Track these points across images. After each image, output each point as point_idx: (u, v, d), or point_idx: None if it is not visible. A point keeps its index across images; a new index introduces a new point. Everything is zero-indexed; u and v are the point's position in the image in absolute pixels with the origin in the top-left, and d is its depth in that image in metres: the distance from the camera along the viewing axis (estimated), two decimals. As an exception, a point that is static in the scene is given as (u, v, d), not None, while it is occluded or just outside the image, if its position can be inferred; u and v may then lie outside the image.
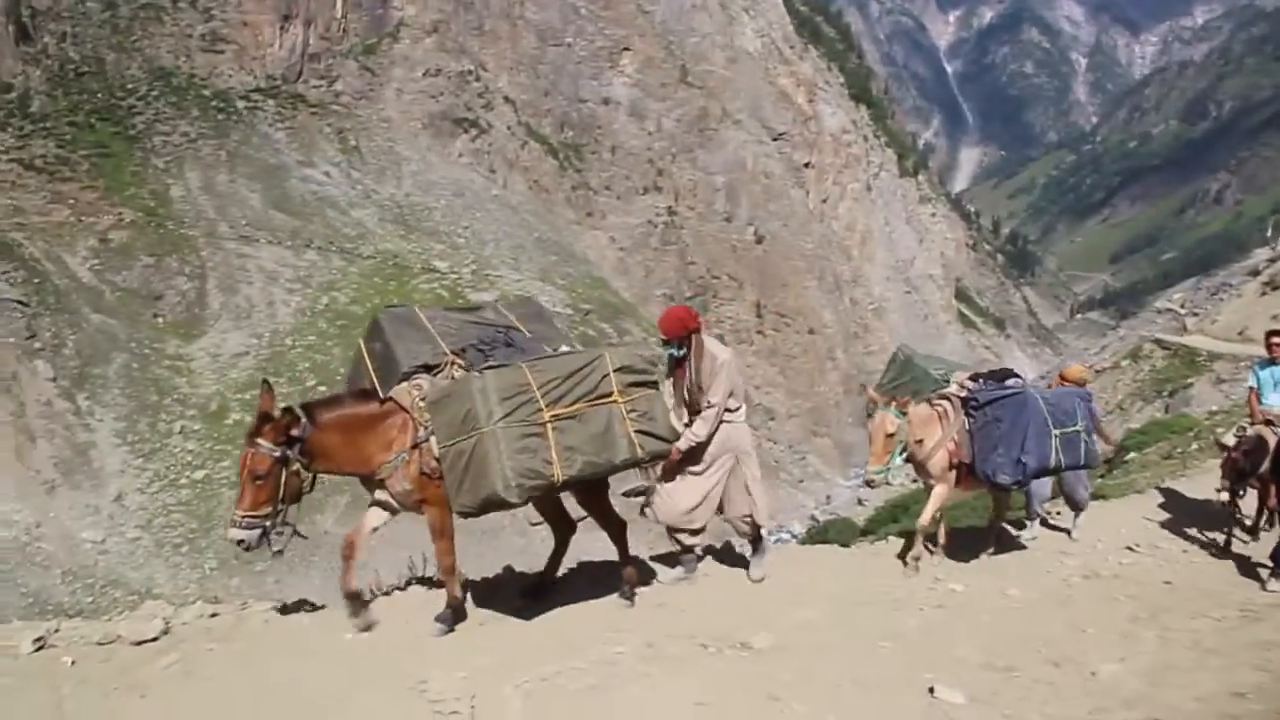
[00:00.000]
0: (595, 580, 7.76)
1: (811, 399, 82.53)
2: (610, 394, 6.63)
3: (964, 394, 9.32)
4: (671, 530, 7.77)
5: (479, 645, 6.48)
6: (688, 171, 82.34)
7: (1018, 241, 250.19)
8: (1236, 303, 48.23)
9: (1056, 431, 9.11)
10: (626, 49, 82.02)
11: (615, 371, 6.68)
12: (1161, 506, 12.51)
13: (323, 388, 38.33)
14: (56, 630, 6.22)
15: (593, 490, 7.15)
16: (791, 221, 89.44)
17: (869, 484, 9.04)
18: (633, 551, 7.56)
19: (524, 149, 71.68)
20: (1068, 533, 10.85)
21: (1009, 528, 10.59)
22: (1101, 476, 22.46)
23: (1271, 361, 11.04)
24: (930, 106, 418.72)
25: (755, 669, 6.11)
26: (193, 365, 40.15)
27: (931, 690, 6.06)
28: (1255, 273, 50.23)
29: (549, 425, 6.27)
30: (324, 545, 29.79)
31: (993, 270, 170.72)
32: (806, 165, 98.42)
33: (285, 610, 6.81)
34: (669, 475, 7.62)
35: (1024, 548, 10.41)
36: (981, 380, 9.62)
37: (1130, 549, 10.28)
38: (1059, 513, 11.81)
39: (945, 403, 9.28)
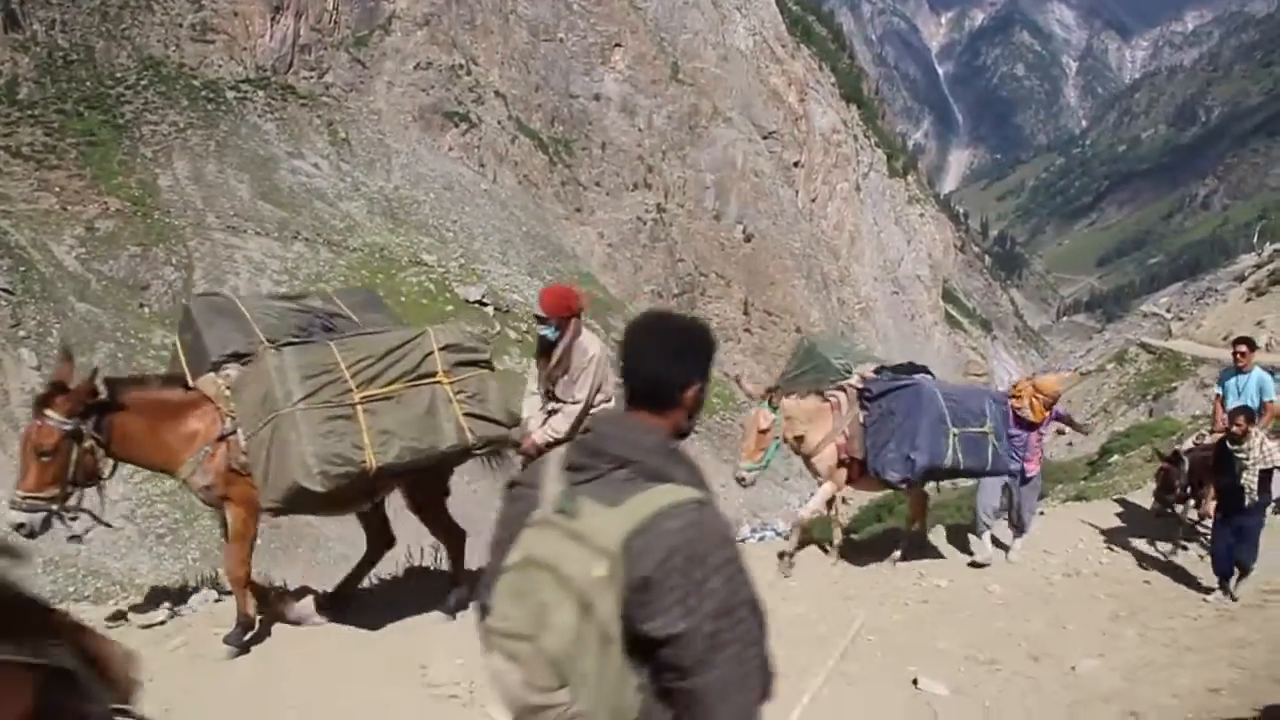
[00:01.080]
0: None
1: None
2: (434, 374, 6.18)
3: (860, 385, 8.84)
4: None
5: (473, 628, 6.56)
6: (677, 169, 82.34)
7: (1006, 243, 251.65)
8: (1222, 308, 48.61)
9: (956, 430, 8.55)
10: (618, 45, 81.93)
11: (440, 350, 6.25)
12: (1142, 508, 12.67)
13: (311, 379, 38.41)
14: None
15: (427, 491, 6.63)
16: (780, 220, 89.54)
17: (740, 481, 8.42)
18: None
19: (514, 143, 71.58)
20: (1005, 551, 9.86)
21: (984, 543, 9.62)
22: (1084, 479, 22.67)
23: (1238, 370, 10.71)
24: (921, 108, 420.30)
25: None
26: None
27: (915, 682, 6.20)
28: (1241, 278, 50.64)
29: (359, 407, 5.76)
30: (306, 537, 29.89)
31: (980, 272, 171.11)
32: (796, 164, 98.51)
33: (291, 596, 6.88)
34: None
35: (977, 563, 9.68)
36: (884, 372, 9.13)
37: (1110, 549, 10.45)
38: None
39: (840, 394, 8.88)
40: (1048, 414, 9.81)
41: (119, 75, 51.79)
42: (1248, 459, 8.89)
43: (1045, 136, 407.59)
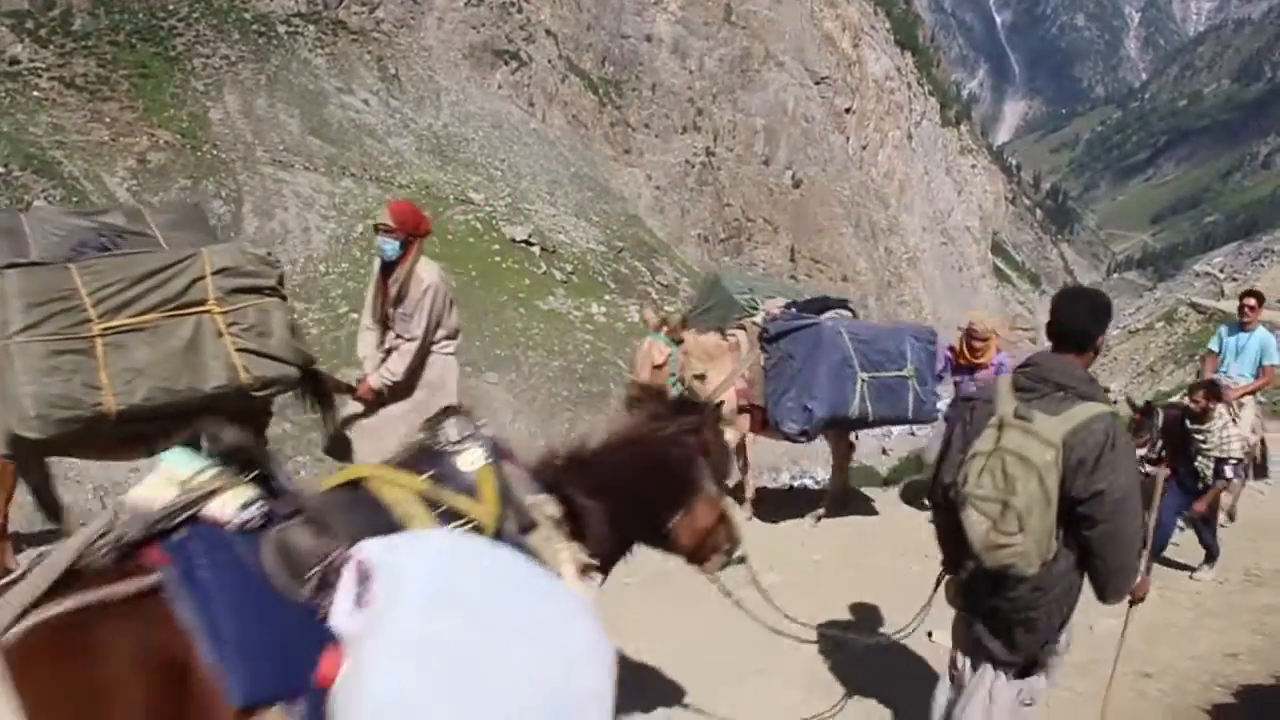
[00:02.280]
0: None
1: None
2: (202, 302, 5.24)
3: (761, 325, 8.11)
4: None
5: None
6: (727, 112, 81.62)
7: (1058, 197, 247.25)
8: (1277, 269, 47.80)
9: (865, 375, 7.77)
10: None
11: (213, 274, 5.28)
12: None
13: (354, 315, 38.50)
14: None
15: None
16: (830, 167, 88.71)
17: None
18: None
19: (564, 83, 71.20)
20: None
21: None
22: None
23: (1241, 327, 9.75)
24: (976, 56, 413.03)
25: (761, 604, 6.26)
26: (226, 288, 40.43)
27: (930, 635, 6.21)
28: (1297, 239, 49.61)
29: (99, 340, 4.89)
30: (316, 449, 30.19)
31: (1031, 225, 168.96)
32: (848, 111, 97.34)
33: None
34: (359, 419, 6.12)
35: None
36: (792, 309, 8.24)
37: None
38: None
39: (741, 333, 8.16)
40: (990, 358, 8.48)
41: (171, 7, 51.86)
42: (1205, 443, 8.00)
43: (1103, 89, 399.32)
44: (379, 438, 5.63)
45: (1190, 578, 8.33)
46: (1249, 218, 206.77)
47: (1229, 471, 7.97)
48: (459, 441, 2.68)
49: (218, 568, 2.06)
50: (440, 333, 6.02)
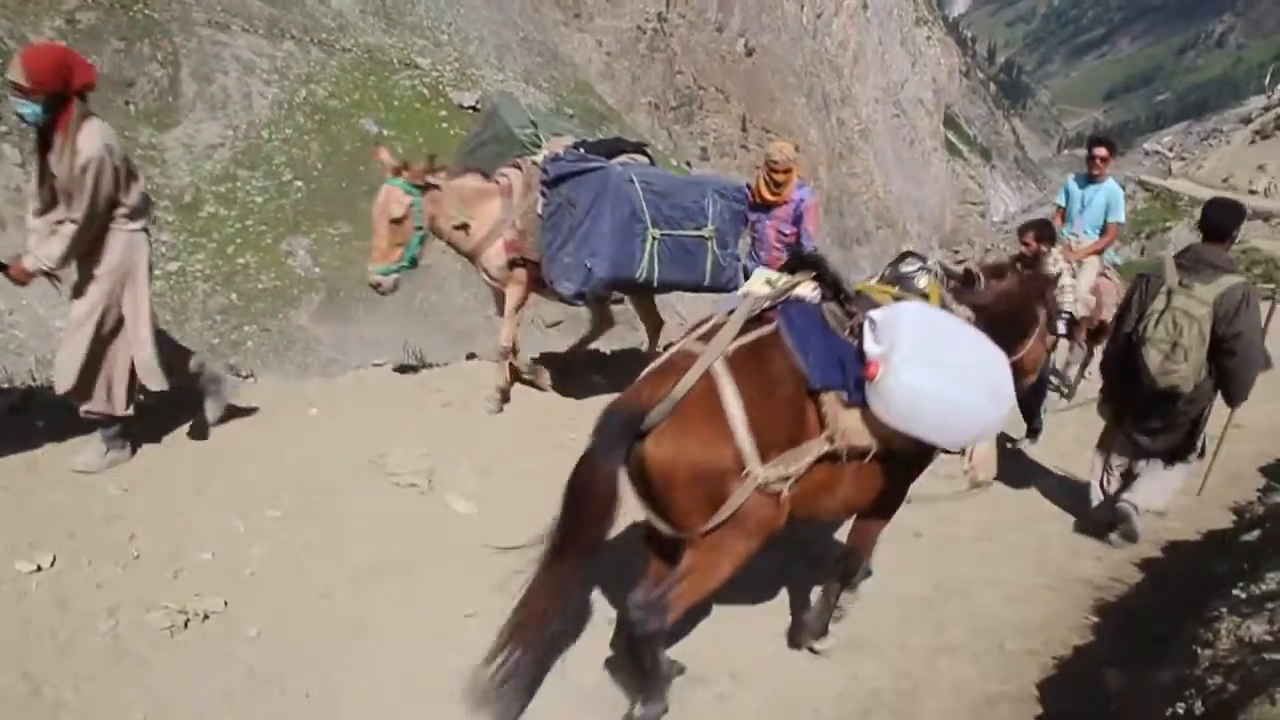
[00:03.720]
0: (560, 373, 7.88)
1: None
2: None
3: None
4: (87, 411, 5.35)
5: (440, 425, 6.63)
6: (680, -23, 79.83)
7: (1012, 71, 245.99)
8: (1225, 150, 48.16)
9: (657, 232, 6.75)
10: None
11: None
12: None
13: (299, 183, 37.78)
14: (30, 398, 6.28)
15: None
16: (783, 35, 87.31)
17: (375, 288, 6.62)
18: None
19: (512, -56, 69.13)
20: None
21: None
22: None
23: (1090, 179, 8.92)
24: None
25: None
26: (166, 155, 39.08)
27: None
28: (1247, 120, 49.97)
29: None
30: (298, 341, 29.90)
31: (984, 99, 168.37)
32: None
33: (252, 386, 6.90)
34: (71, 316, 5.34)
35: None
36: (579, 149, 7.04)
37: (1085, 376, 10.19)
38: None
39: (515, 174, 6.98)
40: (789, 194, 7.46)
41: None
42: None
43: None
44: (74, 341, 5.20)
45: (1010, 446, 8.06)
46: (1200, 97, 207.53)
47: (1060, 327, 7.23)
48: (914, 270, 4.42)
49: (804, 319, 3.87)
50: (119, 210, 5.19)
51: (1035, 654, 4.75)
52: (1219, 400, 5.83)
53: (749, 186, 7.62)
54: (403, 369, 7.78)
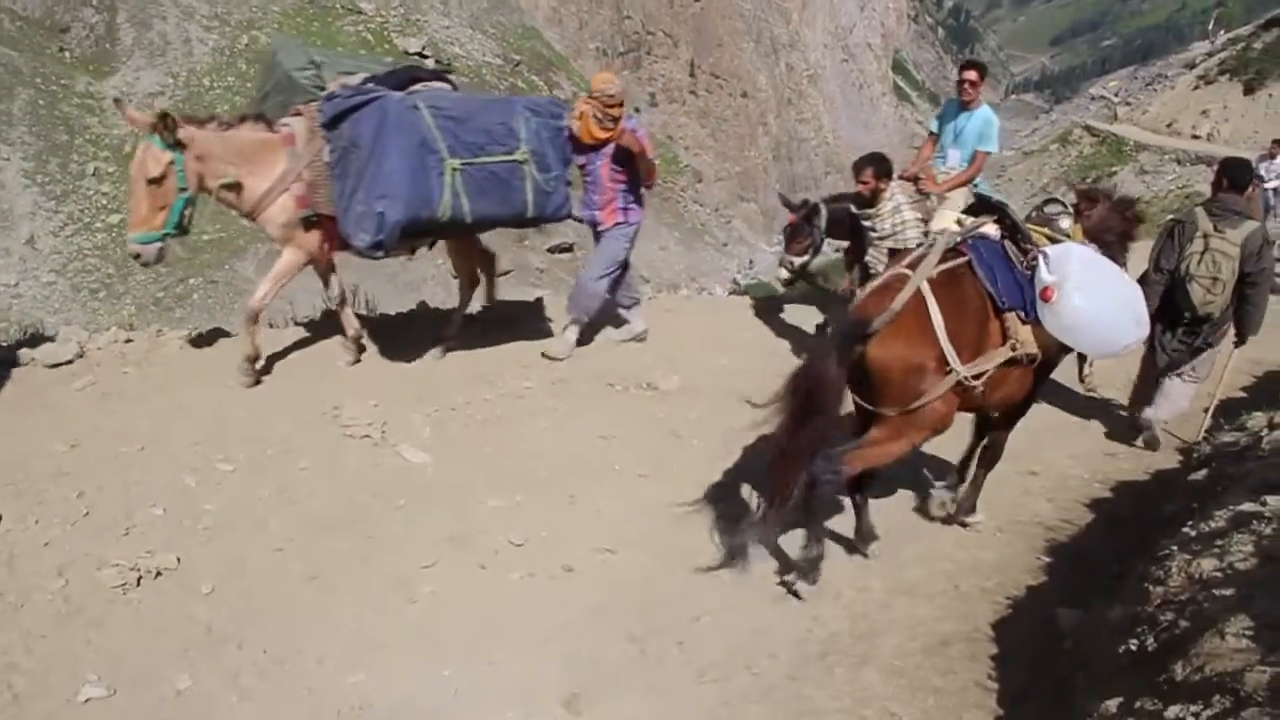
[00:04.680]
0: (509, 320, 7.82)
1: (741, 163, 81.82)
2: None
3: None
4: None
5: (391, 376, 6.56)
6: (628, -81, 78.75)
7: (960, 16, 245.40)
8: (1169, 94, 48.40)
9: (457, 161, 5.96)
10: None
11: None
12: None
13: (242, 130, 37.14)
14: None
15: None
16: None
17: (136, 257, 5.82)
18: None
19: (457, -116, 67.77)
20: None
21: None
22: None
23: (962, 106, 8.16)
24: None
25: (661, 408, 6.28)
26: (104, 104, 38.13)
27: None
28: (1191, 65, 50.20)
29: None
30: (245, 292, 29.49)
31: (932, 44, 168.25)
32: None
33: (200, 339, 6.78)
34: None
35: None
36: (369, 84, 6.23)
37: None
38: None
39: (298, 122, 6.18)
40: (613, 132, 6.94)
41: None
42: (875, 230, 7.10)
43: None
44: None
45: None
46: (1145, 42, 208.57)
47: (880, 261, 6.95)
48: (1057, 213, 5.36)
49: (991, 254, 4.75)
50: None
51: (989, 594, 4.81)
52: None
53: (568, 127, 6.82)
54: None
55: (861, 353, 4.34)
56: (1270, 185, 14.40)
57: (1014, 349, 4.65)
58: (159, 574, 4.22)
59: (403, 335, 7.23)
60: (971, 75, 8.07)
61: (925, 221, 6.94)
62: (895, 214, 7.01)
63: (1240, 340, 6.80)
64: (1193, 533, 4.02)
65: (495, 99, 7.07)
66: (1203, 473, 5.48)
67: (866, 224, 7.17)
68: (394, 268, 26.20)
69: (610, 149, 6.96)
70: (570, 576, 4.61)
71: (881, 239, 7.07)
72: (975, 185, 7.99)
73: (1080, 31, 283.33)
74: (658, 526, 5.13)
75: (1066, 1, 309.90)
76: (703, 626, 4.40)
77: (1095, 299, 4.62)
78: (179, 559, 4.33)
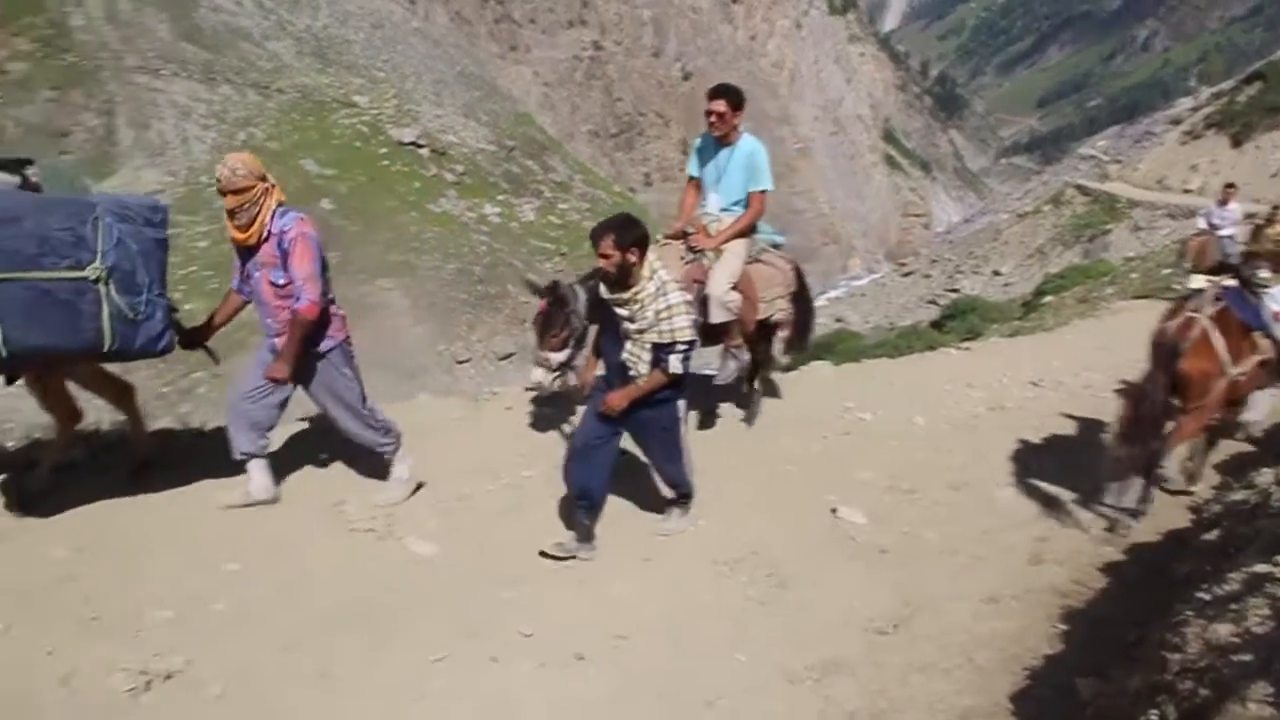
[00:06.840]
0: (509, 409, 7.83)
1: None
2: None
3: None
4: None
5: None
6: (614, 5, 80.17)
7: (946, 84, 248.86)
8: (1157, 150, 48.93)
9: None
10: (552, -126, 78.79)
11: None
12: (1067, 346, 12.86)
13: (241, 225, 37.49)
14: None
15: None
16: (719, 58, 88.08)
17: None
18: None
19: (445, -21, 69.13)
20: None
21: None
22: (1018, 319, 22.93)
23: (717, 141, 6.86)
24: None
25: (660, 488, 6.25)
26: (106, 204, 38.63)
27: (834, 510, 6.28)
28: (1177, 121, 50.82)
29: None
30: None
31: (920, 112, 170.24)
32: (735, 1, 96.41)
33: (204, 433, 6.80)
34: None
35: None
36: None
37: (1034, 384, 10.34)
38: None
39: None
40: (259, 231, 5.37)
41: (21, -96, 48.87)
42: (632, 320, 5.17)
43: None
44: None
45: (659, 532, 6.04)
46: (1130, 101, 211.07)
47: (675, 363, 5.15)
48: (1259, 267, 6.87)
49: (1237, 297, 6.67)
50: None
51: (1007, 666, 4.76)
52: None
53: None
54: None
55: (1174, 366, 6.32)
56: (1224, 233, 14.40)
57: (1261, 355, 6.55)
58: (169, 677, 4.18)
59: (404, 424, 7.22)
60: (719, 106, 6.62)
61: (692, 305, 5.39)
62: (659, 298, 5.06)
63: None
64: (1208, 596, 3.99)
65: (65, 199, 5.00)
66: (1214, 533, 5.45)
67: (621, 311, 5.20)
68: (394, 357, 26.26)
69: (261, 255, 5.43)
70: (583, 664, 4.56)
71: (641, 332, 5.14)
72: (755, 231, 7.01)
73: (1065, 93, 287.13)
74: (668, 609, 5.10)
75: (1049, 65, 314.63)
76: (718, 711, 4.34)
77: None
78: (188, 661, 4.29)
